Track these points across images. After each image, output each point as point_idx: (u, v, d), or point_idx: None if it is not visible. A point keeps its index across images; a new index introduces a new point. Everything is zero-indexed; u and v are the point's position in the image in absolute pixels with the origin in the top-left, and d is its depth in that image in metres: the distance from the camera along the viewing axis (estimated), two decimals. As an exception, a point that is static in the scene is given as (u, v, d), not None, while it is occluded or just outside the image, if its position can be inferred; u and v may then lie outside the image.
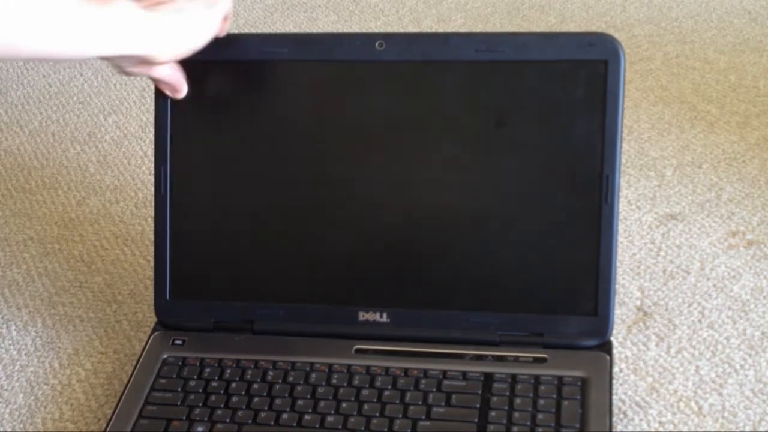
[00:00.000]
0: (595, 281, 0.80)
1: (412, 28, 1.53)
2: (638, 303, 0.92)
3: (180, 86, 0.79)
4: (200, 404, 0.78)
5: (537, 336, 0.81)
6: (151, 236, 0.85)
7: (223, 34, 0.78)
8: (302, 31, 1.52)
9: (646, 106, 1.25)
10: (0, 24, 0.64)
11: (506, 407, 0.75)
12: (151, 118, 0.84)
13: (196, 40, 0.75)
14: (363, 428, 0.75)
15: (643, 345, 0.87)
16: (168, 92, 0.80)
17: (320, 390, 0.78)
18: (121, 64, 0.75)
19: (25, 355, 0.92)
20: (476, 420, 0.75)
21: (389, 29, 1.53)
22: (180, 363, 0.82)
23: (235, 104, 0.83)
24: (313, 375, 0.80)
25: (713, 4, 1.54)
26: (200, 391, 0.80)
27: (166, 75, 0.78)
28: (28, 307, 0.98)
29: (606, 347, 0.80)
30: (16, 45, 0.66)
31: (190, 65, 0.80)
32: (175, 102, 0.82)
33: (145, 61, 0.73)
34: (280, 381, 0.80)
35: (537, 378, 0.78)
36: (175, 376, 0.81)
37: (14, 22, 0.65)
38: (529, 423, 0.74)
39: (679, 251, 0.99)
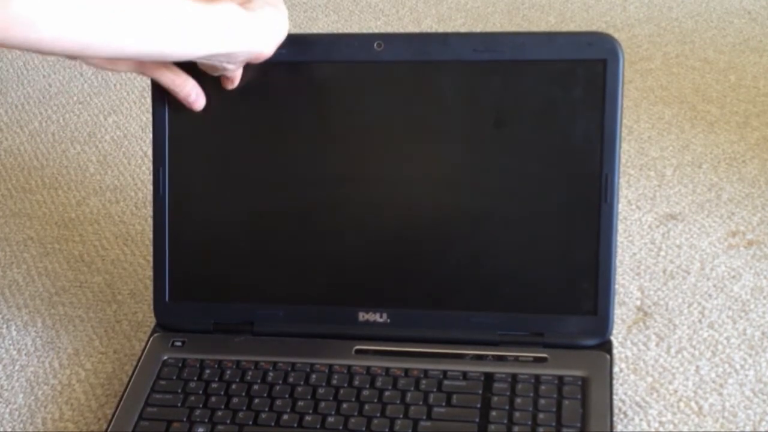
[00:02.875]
0: (595, 281, 0.80)
1: (412, 28, 1.53)
2: (638, 303, 0.92)
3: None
4: (200, 405, 0.78)
5: (537, 336, 0.81)
6: (152, 236, 0.85)
7: None
8: (302, 31, 1.52)
9: (646, 106, 1.25)
10: (115, 25, 0.65)
11: (507, 407, 0.75)
12: (151, 118, 0.84)
13: (286, 31, 0.77)
14: (364, 429, 0.75)
15: (643, 345, 0.87)
16: (228, 86, 0.81)
17: (321, 391, 0.78)
18: (224, 64, 0.76)
19: (25, 355, 0.92)
20: (477, 420, 0.75)
21: (389, 29, 1.53)
22: (180, 364, 0.82)
23: (233, 105, 0.83)
24: (314, 376, 0.80)
25: (713, 4, 1.54)
26: (200, 392, 0.80)
27: (238, 74, 0.80)
28: (28, 307, 0.98)
29: (606, 347, 0.80)
30: (128, 45, 0.67)
31: (187, 66, 0.80)
32: (173, 103, 0.82)
33: (254, 57, 0.76)
34: (280, 382, 0.80)
35: (537, 378, 0.78)
36: (175, 377, 0.81)
37: (128, 23, 0.66)
38: (529, 423, 0.74)
39: (679, 251, 0.99)
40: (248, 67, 0.80)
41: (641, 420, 0.80)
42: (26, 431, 0.83)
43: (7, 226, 1.11)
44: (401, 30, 1.53)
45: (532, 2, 1.59)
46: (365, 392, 0.78)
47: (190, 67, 0.80)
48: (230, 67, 0.77)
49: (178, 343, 0.85)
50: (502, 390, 0.77)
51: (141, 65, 0.79)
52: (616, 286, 0.88)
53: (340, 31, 1.49)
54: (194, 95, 0.81)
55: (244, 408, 0.78)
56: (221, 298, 0.85)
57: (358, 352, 0.82)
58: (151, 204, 0.85)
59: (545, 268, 0.81)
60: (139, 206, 1.12)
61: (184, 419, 0.77)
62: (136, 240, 1.06)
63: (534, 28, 1.50)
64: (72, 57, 0.70)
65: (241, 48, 0.74)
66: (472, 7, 1.59)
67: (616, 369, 0.83)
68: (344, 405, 0.77)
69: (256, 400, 0.78)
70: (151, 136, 0.84)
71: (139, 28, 0.67)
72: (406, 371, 0.79)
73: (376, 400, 0.77)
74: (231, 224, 0.85)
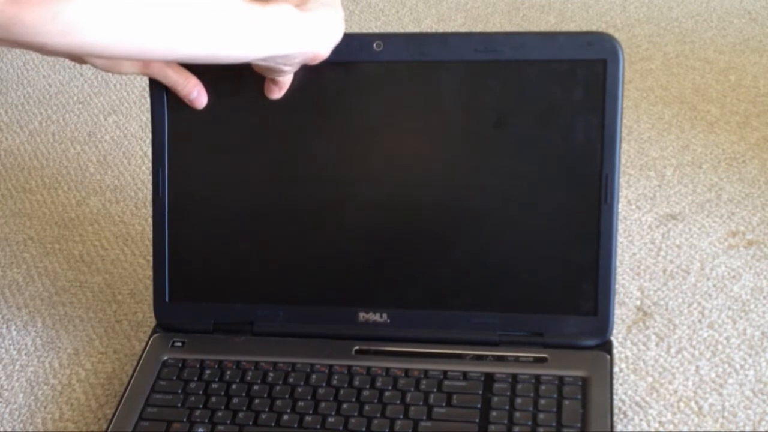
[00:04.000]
0: (595, 281, 0.80)
1: (412, 28, 1.53)
2: (638, 303, 0.92)
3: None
4: (201, 406, 0.78)
5: (537, 336, 0.81)
6: (152, 236, 0.85)
7: None
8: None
9: (646, 106, 1.25)
10: (173, 29, 0.65)
11: (507, 407, 0.76)
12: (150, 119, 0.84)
13: (342, 31, 0.77)
14: (364, 429, 0.75)
15: (643, 345, 0.87)
16: (275, 94, 0.81)
17: (321, 391, 0.78)
18: (280, 66, 0.76)
19: (25, 355, 0.92)
20: (477, 420, 0.75)
21: (389, 29, 1.53)
22: (180, 365, 0.82)
23: (232, 105, 0.83)
24: (314, 376, 0.80)
25: (713, 4, 1.54)
26: (200, 392, 0.80)
27: (287, 80, 0.80)
28: (28, 307, 0.98)
29: (606, 347, 0.80)
30: (185, 48, 0.67)
31: (188, 67, 0.80)
32: (172, 104, 0.82)
33: (311, 58, 0.75)
34: (280, 382, 0.80)
35: (537, 378, 0.78)
36: (175, 377, 0.81)
37: (186, 27, 0.65)
38: (530, 423, 0.74)
39: (679, 251, 0.99)
40: (248, 67, 0.80)
41: (641, 420, 0.80)
42: (26, 431, 0.83)
43: (7, 226, 1.11)
44: (401, 30, 1.53)
45: (532, 2, 1.59)
46: (365, 392, 0.78)
47: (190, 66, 0.80)
48: (286, 68, 0.76)
49: (178, 344, 0.85)
50: (502, 390, 0.77)
51: (145, 66, 0.79)
52: (616, 286, 0.88)
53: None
54: (196, 93, 0.81)
55: (245, 408, 0.78)
56: (221, 298, 0.85)
57: (359, 352, 0.82)
58: (151, 204, 0.85)
59: (545, 268, 0.81)
60: (139, 206, 1.12)
61: (184, 419, 0.77)
62: (136, 240, 1.06)
63: (534, 28, 1.50)
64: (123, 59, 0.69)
65: (297, 49, 0.74)
66: (472, 7, 1.59)
67: (616, 369, 0.83)
68: (344, 405, 0.77)
69: (257, 401, 0.78)
70: (151, 136, 0.84)
71: (197, 32, 0.66)
72: (407, 371, 0.79)
73: (376, 401, 0.77)
74: (231, 224, 0.85)
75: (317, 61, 0.76)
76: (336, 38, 0.76)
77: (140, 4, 0.62)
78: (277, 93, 0.81)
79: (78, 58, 0.80)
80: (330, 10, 0.75)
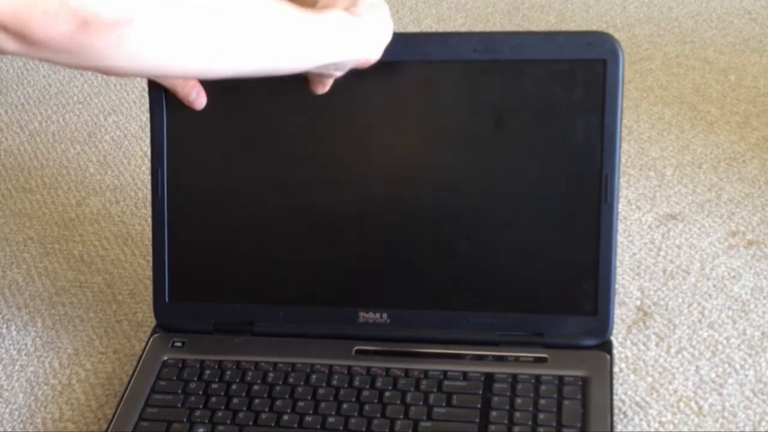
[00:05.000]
0: (595, 281, 0.80)
1: (412, 28, 1.53)
2: (638, 303, 0.92)
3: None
4: (201, 406, 0.78)
5: (537, 336, 0.81)
6: (151, 236, 0.85)
7: None
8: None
9: (646, 106, 1.25)
10: (236, 44, 0.65)
11: (507, 407, 0.76)
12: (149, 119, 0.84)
13: (391, 34, 0.76)
14: (364, 429, 0.75)
15: (643, 345, 0.87)
16: (320, 90, 0.80)
17: (321, 391, 0.78)
18: (332, 71, 0.75)
19: (25, 355, 0.92)
20: (477, 420, 0.75)
21: (389, 29, 1.53)
22: (180, 365, 0.82)
23: (232, 105, 0.83)
24: (314, 376, 0.80)
25: (713, 4, 1.53)
26: (201, 393, 0.80)
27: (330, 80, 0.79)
28: (28, 307, 0.98)
29: (606, 347, 0.80)
30: (244, 65, 0.67)
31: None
32: (171, 104, 0.82)
33: (362, 63, 0.75)
34: (280, 382, 0.80)
35: (538, 378, 0.78)
36: (175, 378, 0.81)
37: (249, 42, 0.65)
38: (530, 423, 0.74)
39: (679, 251, 0.99)
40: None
41: (641, 420, 0.80)
42: (26, 431, 0.83)
43: (7, 226, 1.11)
44: (401, 30, 1.52)
45: (532, 2, 1.59)
46: (365, 392, 0.78)
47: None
48: (338, 74, 0.76)
49: (178, 344, 0.85)
50: (502, 390, 0.77)
51: None
52: (616, 286, 0.88)
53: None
54: (195, 94, 0.81)
55: (245, 408, 0.78)
56: (221, 299, 0.85)
57: (359, 352, 0.82)
58: (151, 204, 0.85)
59: (545, 268, 0.81)
60: (139, 206, 1.12)
61: (184, 420, 0.77)
62: (136, 240, 1.06)
63: (534, 28, 1.50)
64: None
65: (350, 56, 0.73)
66: (472, 7, 1.59)
67: (616, 369, 0.83)
68: (344, 405, 0.77)
69: (257, 401, 0.78)
70: (150, 136, 0.84)
71: (259, 46, 0.66)
72: (407, 371, 0.79)
73: (376, 401, 0.77)
74: (230, 224, 0.85)
75: (368, 66, 0.76)
76: (386, 41, 0.76)
77: (202, 24, 0.62)
78: (323, 89, 0.80)
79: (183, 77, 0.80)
80: (379, 13, 0.75)
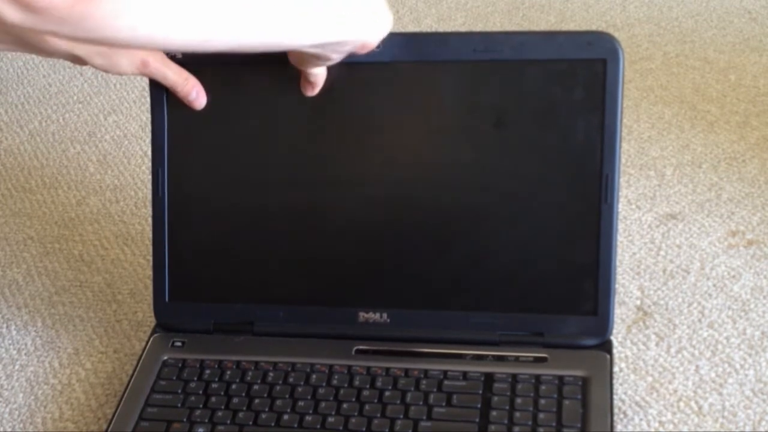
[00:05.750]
0: (595, 281, 0.80)
1: (412, 28, 1.53)
2: (638, 302, 0.92)
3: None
4: (201, 406, 0.78)
5: (537, 336, 0.81)
6: (151, 236, 0.85)
7: None
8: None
9: (646, 105, 1.25)
10: (238, 16, 0.65)
11: (507, 407, 0.76)
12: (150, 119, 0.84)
13: (392, 22, 0.76)
14: (364, 429, 0.75)
15: (643, 345, 0.87)
16: (309, 92, 0.81)
17: (321, 391, 0.78)
18: (330, 54, 0.75)
19: (25, 354, 0.92)
20: (477, 420, 0.75)
21: (389, 29, 1.53)
22: (180, 365, 0.82)
23: (232, 105, 0.83)
24: (314, 376, 0.80)
25: (713, 4, 1.54)
26: (201, 392, 0.80)
27: (321, 80, 0.80)
28: (28, 306, 0.98)
29: (606, 347, 0.80)
30: (250, 38, 0.67)
31: (187, 67, 0.80)
32: (172, 104, 0.82)
33: (360, 47, 0.75)
34: (280, 382, 0.80)
35: (537, 378, 0.78)
36: (175, 377, 0.81)
37: (250, 14, 0.65)
38: (530, 423, 0.74)
39: (679, 251, 0.99)
40: (247, 68, 0.80)
41: (641, 420, 0.80)
42: (26, 431, 0.83)
43: (7, 225, 1.11)
44: (401, 30, 1.52)
45: (532, 2, 1.59)
46: (365, 392, 0.78)
47: (191, 66, 0.80)
48: (334, 56, 0.76)
49: (178, 344, 0.85)
50: (502, 390, 0.77)
51: (144, 66, 0.79)
52: (616, 286, 0.88)
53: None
54: (195, 93, 0.81)
55: (245, 408, 0.78)
56: (221, 298, 0.85)
57: (359, 352, 0.82)
58: (151, 204, 0.85)
59: (545, 268, 0.81)
60: (139, 206, 1.12)
61: (185, 419, 0.77)
62: (136, 240, 1.06)
63: (534, 28, 1.50)
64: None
65: (349, 36, 0.73)
66: (472, 7, 1.59)
67: (616, 369, 0.83)
68: (344, 405, 0.77)
69: (257, 401, 0.78)
70: (150, 135, 0.84)
71: (259, 20, 0.66)
72: (407, 371, 0.79)
73: (376, 401, 0.77)
74: (231, 224, 0.85)
75: (365, 51, 0.75)
76: (386, 28, 0.76)
77: None
78: (312, 91, 0.81)
79: (78, 59, 0.80)
80: (378, 1, 0.75)
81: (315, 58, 0.76)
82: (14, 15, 0.57)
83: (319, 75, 0.80)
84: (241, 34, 0.66)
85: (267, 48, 0.70)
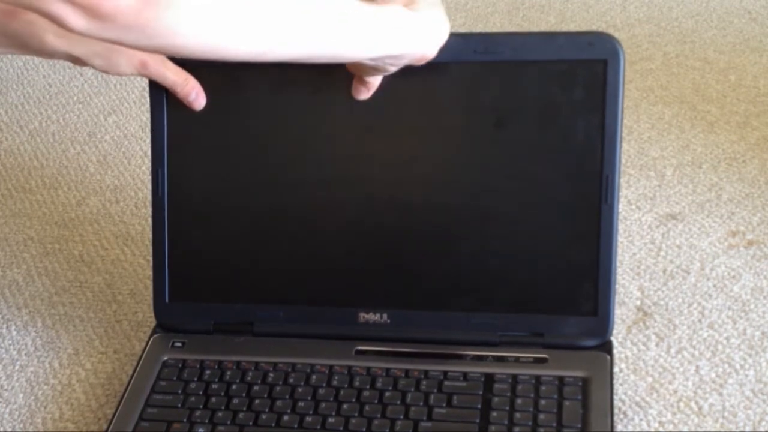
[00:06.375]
0: (595, 281, 0.80)
1: (411, 28, 1.52)
2: (638, 303, 0.92)
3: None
4: (201, 406, 0.78)
5: (537, 336, 0.81)
6: (151, 236, 0.85)
7: None
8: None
9: (646, 106, 1.25)
10: (296, 29, 0.65)
11: (507, 408, 0.76)
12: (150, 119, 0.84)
13: (448, 32, 0.76)
14: (364, 429, 0.75)
15: (643, 345, 0.87)
16: (363, 95, 0.80)
17: (321, 391, 0.78)
18: (387, 66, 0.75)
19: (25, 355, 0.92)
20: (477, 420, 0.75)
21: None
22: (180, 365, 0.82)
23: (232, 106, 0.83)
24: (314, 376, 0.80)
25: (713, 4, 1.54)
26: (201, 393, 0.80)
27: (376, 83, 0.79)
28: (28, 307, 0.98)
29: (606, 347, 0.80)
30: (306, 50, 0.68)
31: (187, 68, 0.80)
32: (172, 104, 0.82)
33: (418, 59, 0.75)
34: (280, 382, 0.80)
35: (538, 378, 0.78)
36: (175, 378, 0.81)
37: (308, 28, 0.66)
38: (530, 423, 0.74)
39: (679, 251, 0.99)
40: (247, 68, 0.80)
41: (641, 420, 0.80)
42: (26, 431, 0.83)
43: (7, 226, 1.11)
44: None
45: (532, 2, 1.59)
46: (366, 393, 0.78)
47: (190, 66, 0.80)
48: (392, 69, 0.76)
49: (179, 344, 0.85)
50: (502, 391, 0.77)
51: (143, 67, 0.79)
52: (616, 286, 0.88)
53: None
54: (194, 94, 0.81)
55: (245, 409, 0.78)
56: (221, 299, 0.85)
57: (359, 352, 0.82)
58: (151, 204, 0.85)
59: (545, 268, 0.81)
60: (139, 206, 1.12)
61: (185, 420, 0.77)
62: (136, 240, 1.06)
63: (534, 28, 1.50)
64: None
65: (407, 50, 0.73)
66: (472, 7, 1.59)
67: (616, 369, 0.83)
68: (345, 406, 0.77)
69: (257, 401, 0.78)
70: (150, 136, 0.84)
71: (317, 33, 0.67)
72: (407, 372, 0.79)
73: (376, 401, 0.77)
74: (231, 224, 0.85)
75: (423, 62, 0.75)
76: (443, 39, 0.75)
77: (267, 4, 0.63)
78: (365, 94, 0.80)
79: (77, 60, 0.80)
80: (437, 10, 0.74)
81: (372, 69, 0.76)
82: (80, 23, 0.57)
83: (374, 79, 0.79)
84: (300, 46, 0.67)
85: (325, 60, 0.71)
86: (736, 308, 0.91)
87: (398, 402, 0.77)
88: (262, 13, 0.63)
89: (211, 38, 0.61)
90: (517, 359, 0.80)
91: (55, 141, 1.27)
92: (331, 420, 0.76)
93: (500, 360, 0.80)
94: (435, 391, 0.78)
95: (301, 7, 0.65)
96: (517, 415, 0.75)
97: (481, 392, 0.77)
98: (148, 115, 0.84)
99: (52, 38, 0.77)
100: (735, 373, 0.84)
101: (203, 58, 0.63)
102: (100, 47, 0.78)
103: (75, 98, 1.37)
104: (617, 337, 0.87)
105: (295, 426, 0.76)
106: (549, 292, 0.81)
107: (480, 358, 0.80)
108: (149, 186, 0.86)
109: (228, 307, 0.85)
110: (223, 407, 0.78)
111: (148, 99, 0.84)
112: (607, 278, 0.79)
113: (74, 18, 0.57)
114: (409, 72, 0.80)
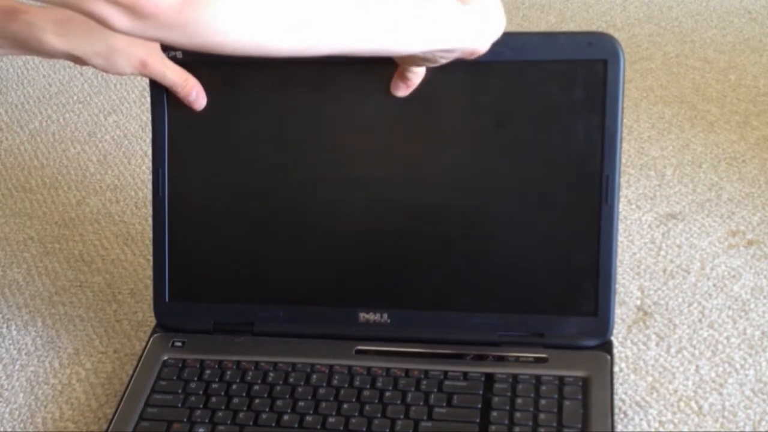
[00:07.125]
0: (595, 281, 0.80)
1: (411, 28, 1.52)
2: (638, 303, 0.92)
3: None
4: (201, 406, 0.78)
5: (538, 336, 0.81)
6: (152, 236, 0.85)
7: None
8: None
9: (646, 105, 1.25)
10: (345, 22, 0.64)
11: (507, 407, 0.76)
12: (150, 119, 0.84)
13: (503, 27, 0.75)
14: (364, 429, 0.75)
15: (643, 345, 0.87)
16: (401, 92, 0.80)
17: (321, 391, 0.78)
18: (438, 59, 0.74)
19: (25, 354, 0.92)
20: (478, 420, 0.75)
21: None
22: (180, 365, 0.82)
23: (232, 105, 0.83)
24: (314, 376, 0.80)
25: (713, 4, 1.54)
26: (201, 392, 0.80)
27: (417, 81, 0.79)
28: (28, 306, 0.98)
29: (606, 347, 0.80)
30: (358, 43, 0.67)
31: (187, 67, 0.80)
32: (172, 104, 0.82)
33: (469, 53, 0.74)
34: (280, 382, 0.80)
35: (538, 378, 0.78)
36: (175, 378, 0.81)
37: (359, 21, 0.65)
38: (530, 423, 0.74)
39: (679, 251, 0.99)
40: (247, 68, 0.80)
41: (641, 420, 0.80)
42: (26, 431, 0.83)
43: (7, 225, 1.11)
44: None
45: (532, 2, 1.59)
46: (366, 393, 0.78)
47: (190, 66, 0.80)
48: (442, 61, 0.75)
49: (179, 344, 0.85)
50: (502, 390, 0.77)
51: (144, 67, 0.79)
52: (616, 286, 0.88)
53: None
54: (195, 94, 0.81)
55: (245, 408, 0.78)
56: (221, 299, 0.85)
57: (359, 352, 0.82)
58: (151, 204, 0.85)
59: (546, 268, 0.81)
60: (139, 206, 1.12)
61: (185, 420, 0.77)
62: (136, 240, 1.06)
63: (534, 28, 1.50)
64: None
65: (460, 44, 0.72)
66: (472, 7, 1.58)
67: (616, 369, 0.83)
68: (345, 405, 0.77)
69: (257, 401, 0.78)
70: (151, 135, 0.84)
71: (368, 26, 0.66)
72: (407, 372, 0.79)
73: (376, 401, 0.77)
74: (231, 224, 0.85)
75: (475, 56, 0.74)
76: (497, 33, 0.74)
77: (309, 2, 0.62)
78: (404, 91, 0.80)
79: (78, 59, 0.80)
80: (491, 4, 0.73)
81: (422, 60, 0.75)
82: (123, 22, 0.58)
83: (417, 74, 0.78)
84: (349, 40, 0.66)
85: (376, 53, 0.70)
86: (736, 308, 0.91)
87: (398, 402, 0.77)
88: (306, 7, 0.62)
89: (252, 36, 0.61)
90: (517, 359, 0.80)
91: (56, 140, 1.27)
92: (331, 420, 0.76)
93: (500, 360, 0.80)
94: (435, 390, 0.78)
95: (350, 1, 0.64)
96: (518, 414, 0.75)
97: (481, 392, 0.77)
98: (149, 114, 0.84)
99: (52, 38, 0.77)
100: (735, 372, 0.84)
101: (246, 56, 0.63)
102: (100, 47, 0.78)
103: (75, 98, 1.37)
104: (617, 336, 0.87)
105: (295, 426, 0.76)
106: (549, 292, 0.81)
107: (480, 358, 0.80)
108: (149, 186, 0.86)
109: (228, 306, 0.85)
110: (223, 407, 0.78)
111: (148, 99, 0.84)
112: (607, 278, 0.79)
113: (118, 18, 0.57)
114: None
